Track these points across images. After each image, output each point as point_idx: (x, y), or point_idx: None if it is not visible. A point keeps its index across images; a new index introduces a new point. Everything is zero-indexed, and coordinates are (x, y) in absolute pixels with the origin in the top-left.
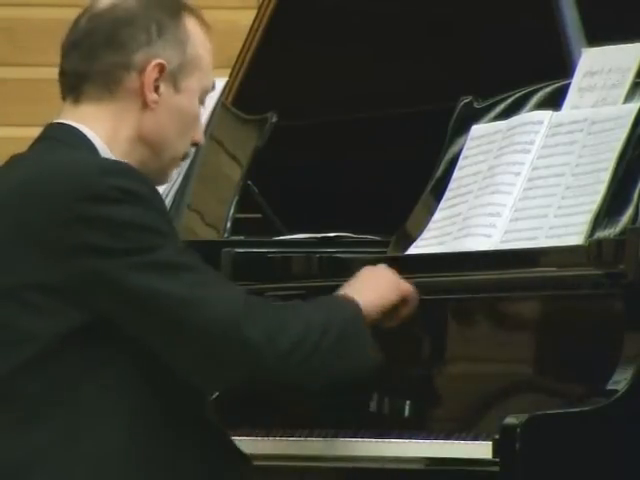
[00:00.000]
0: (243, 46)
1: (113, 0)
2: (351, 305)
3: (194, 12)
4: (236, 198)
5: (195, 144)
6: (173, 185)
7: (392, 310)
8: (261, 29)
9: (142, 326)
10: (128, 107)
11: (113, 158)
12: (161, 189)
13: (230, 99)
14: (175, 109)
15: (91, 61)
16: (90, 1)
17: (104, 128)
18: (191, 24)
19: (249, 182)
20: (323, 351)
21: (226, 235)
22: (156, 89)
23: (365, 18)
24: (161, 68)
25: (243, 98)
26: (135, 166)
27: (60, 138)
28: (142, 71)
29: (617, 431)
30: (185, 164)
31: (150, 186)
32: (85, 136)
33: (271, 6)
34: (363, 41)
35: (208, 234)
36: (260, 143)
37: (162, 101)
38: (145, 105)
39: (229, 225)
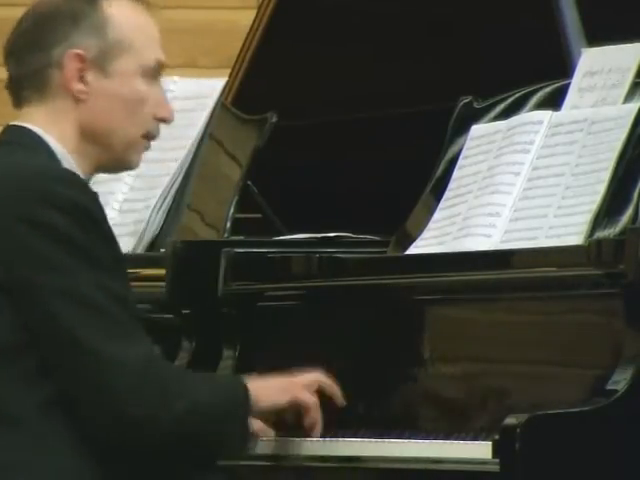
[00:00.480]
0: (243, 46)
1: (33, 2)
2: (241, 389)
3: None
4: (236, 198)
5: (162, 120)
6: (173, 185)
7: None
8: (261, 29)
9: (45, 350)
10: (62, 104)
11: (69, 166)
12: (160, 189)
13: (230, 99)
14: (110, 94)
15: (20, 66)
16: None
17: (52, 130)
18: (113, 8)
19: (249, 182)
20: (202, 432)
21: (226, 235)
22: (82, 79)
23: (365, 18)
24: (80, 58)
25: (243, 98)
26: (92, 163)
27: (19, 141)
28: (62, 65)
29: (617, 431)
30: (185, 163)
31: (103, 211)
32: (41, 138)
33: (271, 6)
34: (363, 41)
35: (208, 234)
36: (260, 143)
37: (92, 90)
38: (76, 98)
39: (229, 225)
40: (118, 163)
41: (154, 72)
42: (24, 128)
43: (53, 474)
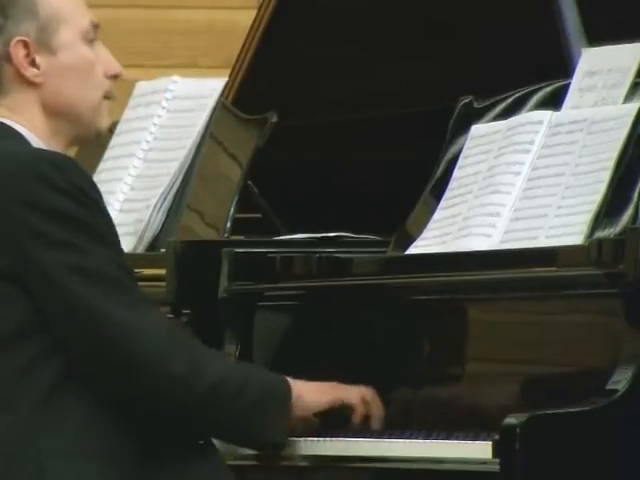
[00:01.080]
0: (243, 46)
1: None
2: (281, 382)
3: None
4: (236, 198)
5: (114, 77)
6: (173, 185)
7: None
8: (261, 29)
9: (64, 328)
10: (21, 94)
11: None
12: (161, 189)
13: (230, 99)
14: (62, 69)
15: None
16: None
17: (19, 119)
18: None
19: (249, 182)
20: (236, 405)
21: (226, 235)
22: (33, 63)
23: (365, 18)
24: (24, 43)
25: (243, 98)
26: (66, 139)
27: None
28: (9, 57)
29: (617, 431)
30: (186, 163)
31: (98, 190)
32: (11, 127)
33: (271, 6)
34: (363, 41)
35: (208, 234)
36: (260, 143)
37: (45, 70)
38: (32, 83)
39: (229, 225)
40: (88, 130)
41: (91, 34)
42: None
43: (76, 451)
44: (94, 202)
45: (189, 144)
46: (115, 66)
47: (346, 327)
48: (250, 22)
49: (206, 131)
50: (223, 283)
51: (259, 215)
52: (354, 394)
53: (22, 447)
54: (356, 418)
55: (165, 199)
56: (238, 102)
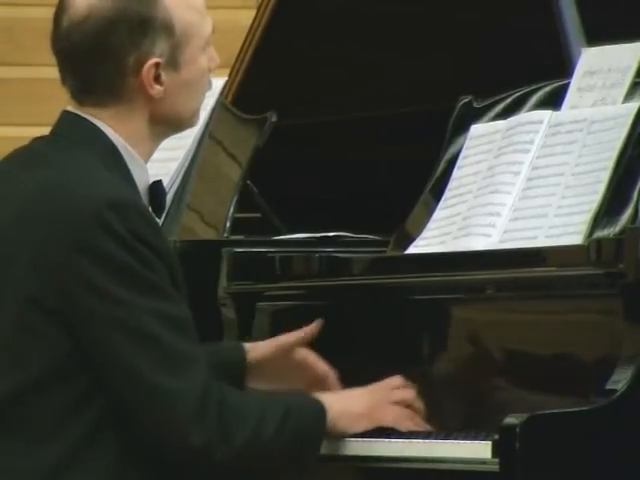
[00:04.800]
0: (243, 45)
1: (89, 3)
2: (317, 414)
3: None
4: (236, 197)
5: (210, 71)
6: (173, 185)
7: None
8: (261, 29)
9: (100, 375)
10: (135, 105)
11: (129, 159)
12: None
13: (230, 98)
14: (183, 85)
15: (89, 73)
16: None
17: (122, 127)
18: (170, 2)
19: (249, 181)
20: (272, 448)
21: (226, 235)
22: (157, 79)
23: (364, 18)
24: (157, 65)
25: (243, 97)
26: (160, 139)
27: (73, 137)
28: (138, 72)
29: (616, 431)
30: (185, 163)
31: (160, 235)
32: (100, 131)
33: (270, 6)
34: (362, 41)
35: (208, 233)
36: (260, 142)
37: (168, 87)
38: (151, 98)
39: (229, 225)
40: (183, 129)
41: (210, 39)
42: (82, 120)
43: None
44: (152, 250)
45: (189, 144)
46: (216, 61)
47: (345, 326)
48: (250, 22)
49: (206, 131)
50: (223, 283)
51: (259, 215)
52: (390, 416)
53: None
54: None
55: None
56: (238, 101)
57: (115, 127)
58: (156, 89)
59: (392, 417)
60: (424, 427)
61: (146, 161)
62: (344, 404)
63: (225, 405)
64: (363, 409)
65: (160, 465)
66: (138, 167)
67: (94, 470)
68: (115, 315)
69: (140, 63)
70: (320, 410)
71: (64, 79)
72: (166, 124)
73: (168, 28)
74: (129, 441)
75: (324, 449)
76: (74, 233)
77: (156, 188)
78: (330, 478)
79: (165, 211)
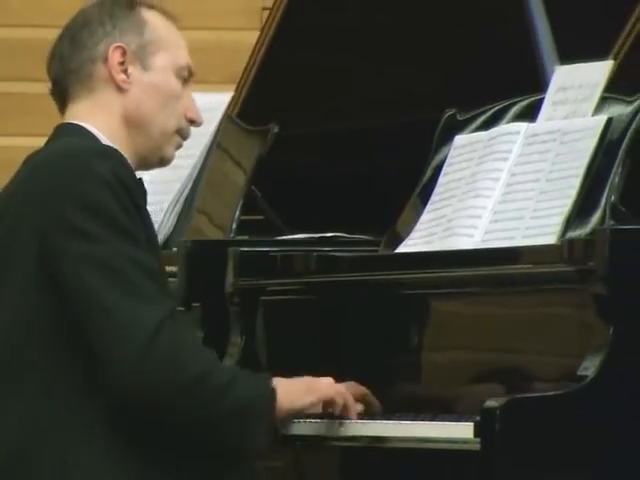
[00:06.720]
0: (247, 64)
1: (79, 10)
2: (266, 387)
3: (153, 7)
4: (241, 201)
5: (192, 122)
6: (184, 190)
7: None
8: (264, 49)
9: (73, 307)
10: (106, 95)
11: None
12: (172, 194)
13: (236, 111)
14: (149, 86)
15: (66, 63)
16: None
17: (96, 121)
18: (149, 14)
19: (253, 187)
20: (217, 404)
21: (232, 235)
22: (125, 72)
23: (357, 37)
24: (122, 51)
25: (247, 111)
26: (135, 154)
27: (69, 134)
28: (106, 59)
29: (586, 412)
30: (195, 170)
31: (142, 187)
32: (86, 129)
33: (273, 28)
34: (355, 61)
35: (215, 234)
36: (263, 152)
37: (133, 81)
38: (119, 88)
39: (234, 226)
40: (154, 153)
41: (185, 74)
42: (71, 124)
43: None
44: (133, 198)
45: (198, 153)
46: (197, 114)
47: (341, 318)
48: (254, 42)
49: (214, 141)
50: (229, 279)
51: (262, 217)
52: (330, 388)
53: (46, 436)
54: (336, 411)
55: (177, 203)
56: (243, 114)
57: (91, 121)
58: (121, 76)
59: (333, 389)
60: (355, 410)
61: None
62: (285, 384)
63: (179, 342)
64: (303, 385)
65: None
66: None
67: (91, 420)
68: (89, 252)
69: (108, 48)
70: (269, 384)
71: (51, 85)
72: (137, 130)
73: (138, 29)
74: (114, 415)
75: (313, 430)
76: (63, 180)
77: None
78: (322, 457)
79: (177, 214)
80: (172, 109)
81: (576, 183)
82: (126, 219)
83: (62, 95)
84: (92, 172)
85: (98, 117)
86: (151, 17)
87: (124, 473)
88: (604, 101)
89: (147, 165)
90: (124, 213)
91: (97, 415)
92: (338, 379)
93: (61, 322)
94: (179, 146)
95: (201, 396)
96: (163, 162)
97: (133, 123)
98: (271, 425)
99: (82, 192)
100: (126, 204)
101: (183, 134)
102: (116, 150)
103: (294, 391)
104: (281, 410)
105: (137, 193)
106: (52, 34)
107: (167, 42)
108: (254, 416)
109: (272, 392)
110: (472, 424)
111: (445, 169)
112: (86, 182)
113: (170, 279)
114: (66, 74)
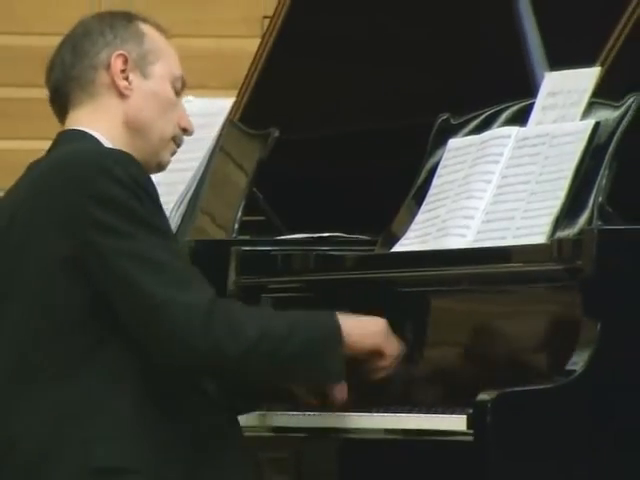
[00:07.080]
0: (249, 70)
1: (78, 22)
2: (329, 320)
3: (148, 21)
4: (243, 203)
5: (184, 130)
6: (188, 191)
7: (366, 358)
8: (264, 55)
9: (121, 310)
10: (108, 101)
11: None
12: (177, 195)
13: (237, 116)
14: (149, 93)
15: (64, 72)
16: None
17: (98, 126)
18: (145, 27)
19: (254, 189)
20: (283, 352)
21: (234, 235)
22: (126, 79)
23: (354, 45)
24: (124, 59)
25: (249, 115)
26: (134, 155)
27: (74, 140)
28: (108, 66)
29: (575, 405)
30: (198, 173)
31: (153, 184)
32: (92, 136)
33: (274, 35)
34: (352, 69)
35: (218, 234)
36: (264, 155)
37: (134, 87)
38: (121, 94)
39: (237, 226)
40: (152, 158)
41: (179, 85)
42: (74, 130)
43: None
44: (151, 197)
45: (202, 156)
46: (189, 122)
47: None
48: (255, 49)
49: (216, 145)
50: (231, 277)
51: (263, 218)
52: (393, 348)
53: (72, 426)
54: (375, 369)
55: (181, 204)
56: (244, 119)
57: (94, 127)
58: (123, 82)
59: (392, 348)
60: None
61: None
62: (355, 321)
63: (233, 311)
64: (373, 326)
65: (175, 409)
66: None
67: (110, 412)
68: (124, 247)
69: (110, 56)
70: (331, 317)
71: (50, 93)
72: (137, 135)
73: (137, 38)
74: (145, 386)
75: (311, 423)
76: (85, 185)
77: None
78: (317, 449)
79: (181, 215)
80: (169, 116)
81: (565, 185)
82: (150, 216)
83: (63, 102)
84: (113, 176)
85: (100, 123)
86: (147, 29)
87: (150, 453)
88: (592, 106)
89: (146, 170)
90: (147, 212)
91: (124, 401)
92: None
93: (86, 312)
94: (174, 152)
95: (268, 349)
96: (160, 167)
97: (134, 128)
98: (342, 351)
99: (107, 194)
100: (147, 204)
101: (177, 141)
102: (130, 156)
103: (361, 327)
104: (348, 339)
105: (156, 193)
106: (56, 42)
107: (164, 53)
108: (323, 349)
109: (336, 323)
110: (465, 417)
111: (439, 171)
112: (106, 183)
113: None
114: (68, 81)
